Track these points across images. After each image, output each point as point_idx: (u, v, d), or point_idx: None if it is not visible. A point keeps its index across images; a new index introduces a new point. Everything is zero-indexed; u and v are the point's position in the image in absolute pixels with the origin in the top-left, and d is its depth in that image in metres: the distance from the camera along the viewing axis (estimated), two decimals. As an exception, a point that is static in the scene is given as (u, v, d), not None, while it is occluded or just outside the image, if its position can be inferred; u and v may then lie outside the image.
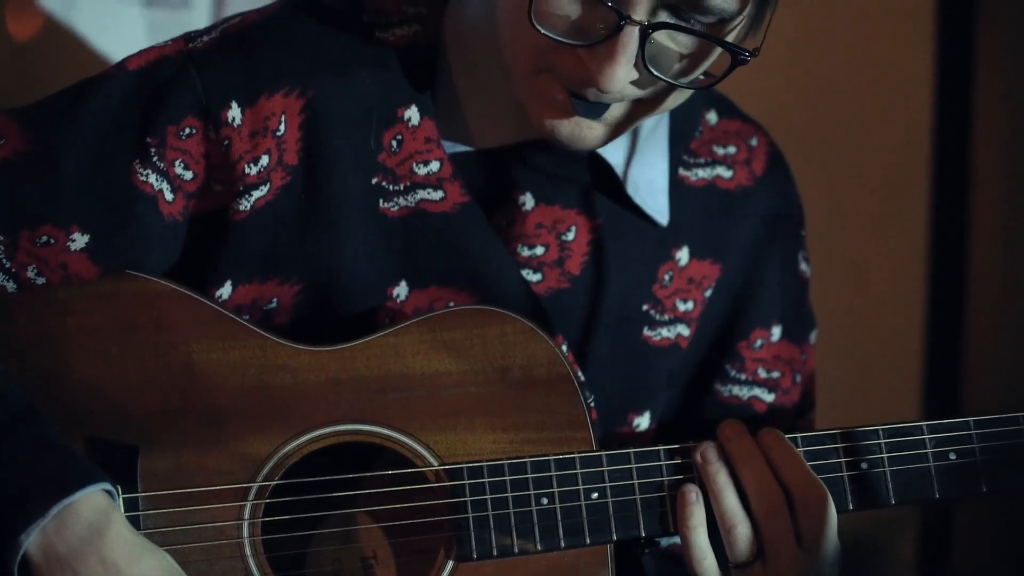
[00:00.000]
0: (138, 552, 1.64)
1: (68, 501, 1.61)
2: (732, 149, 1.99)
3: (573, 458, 1.77)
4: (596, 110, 1.72)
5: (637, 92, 1.71)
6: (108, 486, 1.65)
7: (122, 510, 1.67)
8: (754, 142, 2.01)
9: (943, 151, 3.33)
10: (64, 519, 1.61)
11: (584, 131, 1.74)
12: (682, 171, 1.95)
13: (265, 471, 1.73)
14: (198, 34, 1.81)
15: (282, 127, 1.77)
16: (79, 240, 1.74)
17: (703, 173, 1.96)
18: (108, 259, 1.75)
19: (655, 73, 1.67)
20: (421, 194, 1.82)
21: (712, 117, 1.99)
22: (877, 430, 1.83)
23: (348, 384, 1.76)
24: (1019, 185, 3.35)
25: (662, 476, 1.80)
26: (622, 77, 1.66)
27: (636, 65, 1.66)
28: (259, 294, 1.81)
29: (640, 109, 1.75)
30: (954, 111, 3.32)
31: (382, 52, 1.82)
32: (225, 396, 1.74)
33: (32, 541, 1.60)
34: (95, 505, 1.63)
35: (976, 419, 1.84)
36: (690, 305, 1.95)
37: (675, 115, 1.89)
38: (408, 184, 1.82)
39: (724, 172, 1.98)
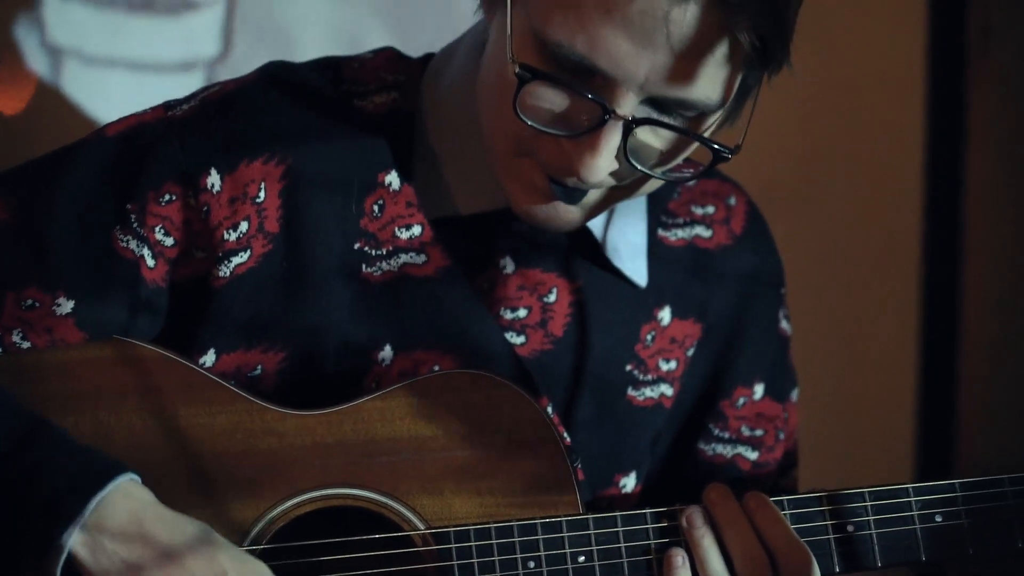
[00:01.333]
0: (182, 524, 1.67)
1: (103, 494, 1.63)
2: (711, 209, 2.00)
3: (560, 521, 1.78)
4: (574, 196, 1.73)
5: (616, 181, 1.73)
6: (135, 475, 1.67)
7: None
8: (732, 201, 2.02)
9: (934, 211, 3.34)
10: (102, 512, 1.63)
11: (561, 214, 1.76)
12: (661, 232, 1.96)
13: (252, 535, 1.74)
14: (178, 102, 1.83)
15: (262, 194, 1.79)
16: (64, 305, 1.75)
17: (682, 233, 1.98)
18: (94, 325, 1.76)
19: (636, 165, 1.68)
20: (404, 258, 1.83)
21: None
22: (863, 492, 1.83)
23: (335, 448, 1.77)
24: (1010, 246, 3.36)
25: (648, 539, 1.80)
26: (604, 169, 1.68)
27: (617, 156, 1.68)
28: (243, 362, 1.81)
29: (617, 194, 1.77)
30: (945, 174, 3.34)
31: (361, 119, 1.84)
32: (212, 460, 1.75)
33: (75, 540, 1.62)
34: (128, 492, 1.66)
35: (962, 482, 1.84)
36: (673, 365, 1.96)
37: None
38: (390, 248, 1.83)
39: (703, 232, 1.99)
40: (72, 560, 1.63)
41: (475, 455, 1.78)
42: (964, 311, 3.37)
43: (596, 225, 1.89)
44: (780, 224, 2.08)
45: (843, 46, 3.11)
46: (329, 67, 1.88)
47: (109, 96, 2.65)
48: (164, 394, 1.76)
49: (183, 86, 2.22)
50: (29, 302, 1.75)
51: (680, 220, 1.98)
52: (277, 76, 1.84)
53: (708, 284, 1.97)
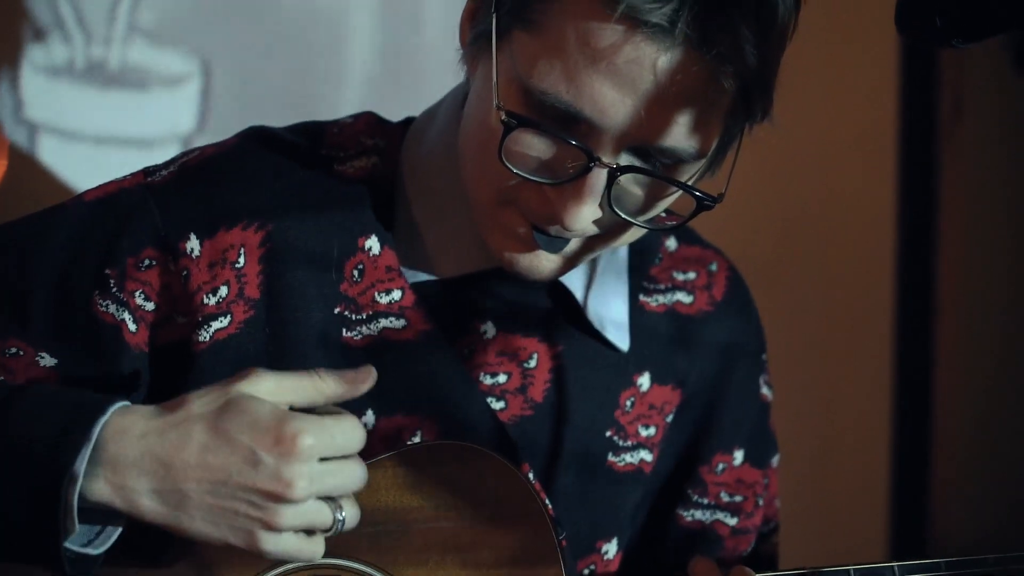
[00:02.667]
0: (185, 427, 1.62)
1: (103, 419, 1.60)
2: (692, 275, 2.01)
3: (548, 595, 1.77)
4: (557, 245, 1.74)
5: (598, 229, 1.73)
6: (127, 401, 1.65)
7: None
8: (714, 267, 2.02)
9: (906, 279, 3.35)
10: (107, 436, 1.60)
11: (543, 263, 1.76)
12: (642, 297, 1.96)
13: (236, 606, 1.73)
14: (156, 168, 1.83)
15: (241, 259, 1.78)
16: (47, 359, 1.75)
17: (663, 299, 1.98)
18: (78, 384, 1.75)
19: (619, 213, 1.69)
20: (384, 323, 1.83)
21: (671, 243, 2.01)
22: (848, 570, 1.83)
23: (317, 519, 1.76)
24: (982, 315, 3.38)
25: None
26: (588, 217, 1.68)
27: (601, 204, 1.68)
28: (225, 426, 1.81)
29: (598, 243, 1.77)
30: (918, 244, 3.36)
31: (341, 184, 1.84)
32: (194, 529, 1.74)
33: (86, 468, 1.59)
34: (127, 412, 1.63)
35: (948, 561, 1.84)
36: (652, 431, 1.96)
37: (635, 242, 1.92)
38: (370, 313, 1.83)
39: (684, 297, 1.99)
40: (89, 490, 1.60)
41: (460, 526, 1.77)
42: (937, 379, 3.38)
43: (578, 289, 1.90)
44: (753, 288, 2.08)
45: (816, 115, 3.13)
46: (309, 131, 1.88)
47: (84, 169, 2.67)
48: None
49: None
50: (13, 350, 1.74)
51: (661, 286, 1.98)
52: (257, 141, 1.85)
53: (689, 350, 1.98)
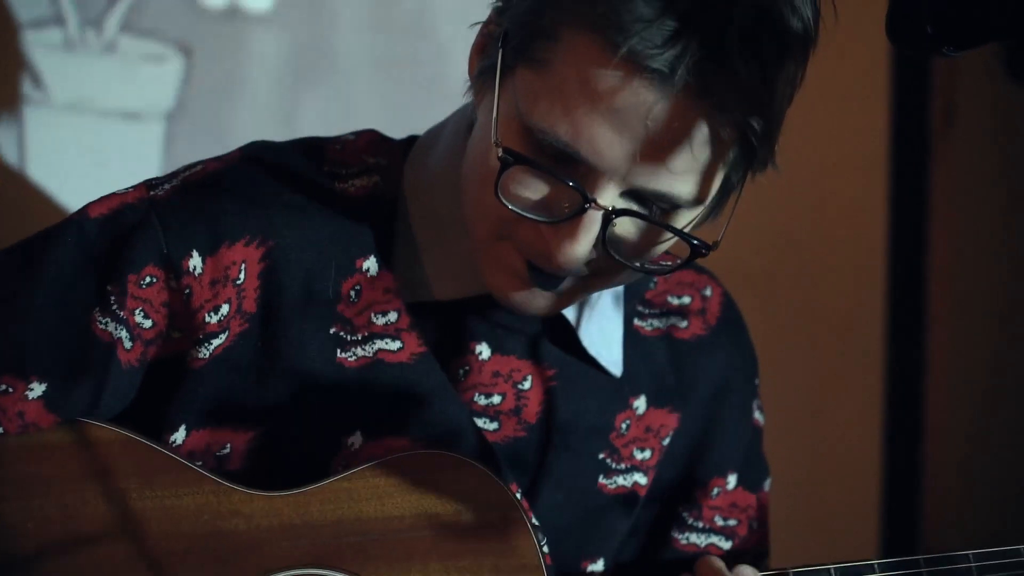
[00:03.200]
0: None
1: None
2: (687, 299, 2.00)
3: (533, 603, 1.77)
4: (551, 282, 1.74)
5: (593, 269, 1.73)
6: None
7: None
8: (708, 292, 2.02)
9: (897, 291, 3.35)
10: None
11: (536, 299, 1.76)
12: (637, 321, 1.96)
13: (220, 618, 1.73)
14: (159, 181, 1.82)
15: (242, 275, 1.78)
16: (36, 389, 1.74)
17: (658, 323, 1.98)
18: (64, 408, 1.75)
19: (614, 255, 1.69)
20: (379, 344, 1.82)
21: None
22: (829, 569, 1.85)
23: (302, 529, 1.76)
24: (974, 328, 3.38)
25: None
26: (581, 256, 1.68)
27: (595, 246, 1.69)
28: (213, 439, 1.80)
29: (593, 282, 1.77)
30: (909, 253, 3.35)
31: (342, 202, 1.83)
32: (179, 542, 1.74)
33: None
34: None
35: (926, 557, 1.86)
36: (648, 454, 1.96)
37: None
38: (366, 334, 1.82)
39: (679, 322, 1.99)
40: None
41: (442, 535, 1.78)
42: (929, 391, 3.38)
43: (572, 313, 1.89)
44: (742, 304, 2.08)
45: (808, 122, 3.12)
46: (311, 148, 1.88)
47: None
48: (130, 476, 1.74)
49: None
50: (3, 387, 1.73)
51: (656, 310, 1.98)
52: (260, 157, 1.84)
53: (684, 374, 1.98)
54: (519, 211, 1.68)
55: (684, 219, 1.72)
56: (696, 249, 1.69)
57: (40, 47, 2.65)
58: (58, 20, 2.65)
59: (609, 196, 1.66)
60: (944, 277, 3.36)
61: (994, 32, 1.50)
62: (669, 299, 1.99)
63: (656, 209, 1.69)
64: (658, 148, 1.63)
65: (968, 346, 3.37)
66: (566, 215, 1.67)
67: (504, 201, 1.68)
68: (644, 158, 1.63)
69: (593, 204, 1.65)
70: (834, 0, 1.71)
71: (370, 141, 1.90)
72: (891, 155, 3.30)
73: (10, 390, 1.73)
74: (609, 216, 1.66)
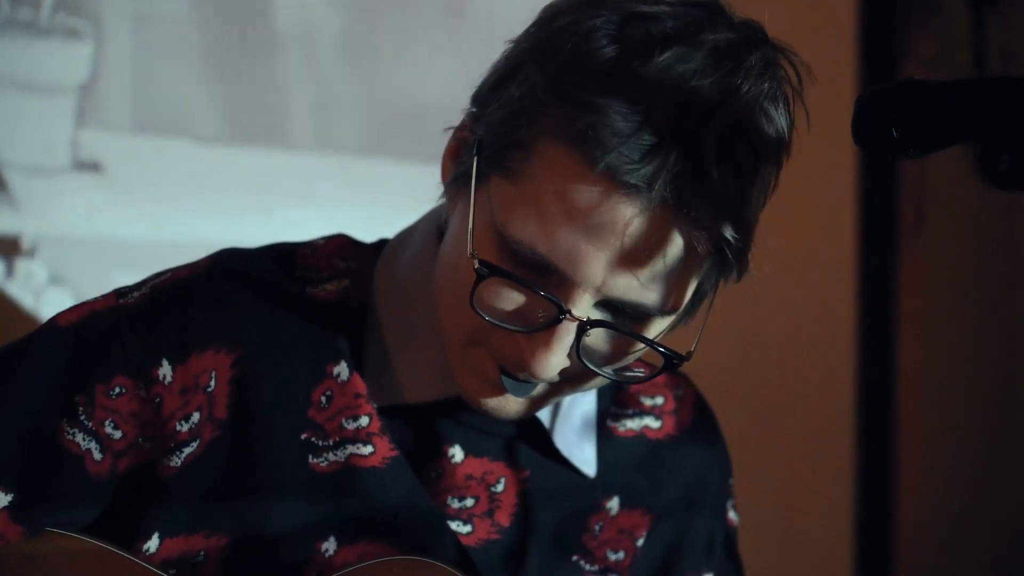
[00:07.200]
0: None
1: None
2: (660, 400, 2.00)
3: None
4: (524, 389, 1.74)
5: (566, 376, 1.74)
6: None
7: None
8: (680, 392, 2.02)
9: (866, 388, 3.37)
10: None
11: (510, 404, 1.76)
12: (610, 422, 1.96)
13: None
14: (128, 289, 1.82)
15: (212, 383, 1.77)
16: (2, 499, 1.72)
17: (631, 424, 1.97)
18: (32, 519, 1.73)
19: (588, 364, 1.70)
20: (351, 449, 1.81)
21: None
22: None
23: (277, 638, 1.74)
24: (939, 419, 3.39)
25: None
26: (556, 366, 1.69)
27: (570, 355, 1.69)
28: (187, 547, 1.78)
29: (565, 387, 1.78)
30: (877, 351, 3.37)
31: (312, 308, 1.83)
32: (151, 655, 1.71)
33: None
34: None
35: None
36: (621, 555, 1.94)
37: None
38: (337, 439, 1.81)
39: (652, 423, 1.99)
40: None
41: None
42: (899, 491, 3.39)
43: (545, 415, 1.89)
44: (714, 403, 2.08)
45: (775, 223, 3.14)
46: (281, 254, 1.88)
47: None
48: (102, 588, 1.72)
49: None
50: None
51: (629, 411, 1.98)
52: (229, 266, 1.84)
53: (657, 475, 1.97)
54: (495, 321, 1.69)
55: (657, 327, 1.72)
56: (669, 360, 1.71)
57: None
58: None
59: (584, 307, 1.67)
60: (914, 376, 3.38)
61: (958, 136, 1.51)
62: (642, 399, 1.99)
63: (629, 318, 1.70)
64: (634, 261, 1.64)
65: (939, 445, 3.38)
66: (541, 325, 1.68)
67: (480, 312, 1.68)
68: (619, 270, 1.64)
69: (568, 315, 1.66)
70: (806, 108, 1.73)
71: (340, 245, 1.90)
72: (859, 255, 3.32)
73: None
74: (584, 327, 1.67)
